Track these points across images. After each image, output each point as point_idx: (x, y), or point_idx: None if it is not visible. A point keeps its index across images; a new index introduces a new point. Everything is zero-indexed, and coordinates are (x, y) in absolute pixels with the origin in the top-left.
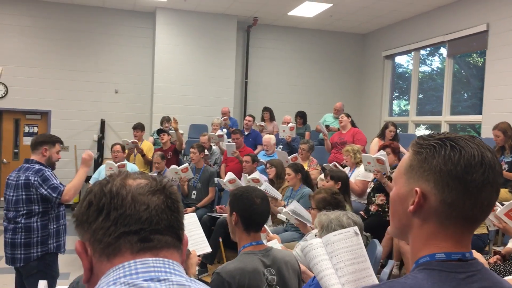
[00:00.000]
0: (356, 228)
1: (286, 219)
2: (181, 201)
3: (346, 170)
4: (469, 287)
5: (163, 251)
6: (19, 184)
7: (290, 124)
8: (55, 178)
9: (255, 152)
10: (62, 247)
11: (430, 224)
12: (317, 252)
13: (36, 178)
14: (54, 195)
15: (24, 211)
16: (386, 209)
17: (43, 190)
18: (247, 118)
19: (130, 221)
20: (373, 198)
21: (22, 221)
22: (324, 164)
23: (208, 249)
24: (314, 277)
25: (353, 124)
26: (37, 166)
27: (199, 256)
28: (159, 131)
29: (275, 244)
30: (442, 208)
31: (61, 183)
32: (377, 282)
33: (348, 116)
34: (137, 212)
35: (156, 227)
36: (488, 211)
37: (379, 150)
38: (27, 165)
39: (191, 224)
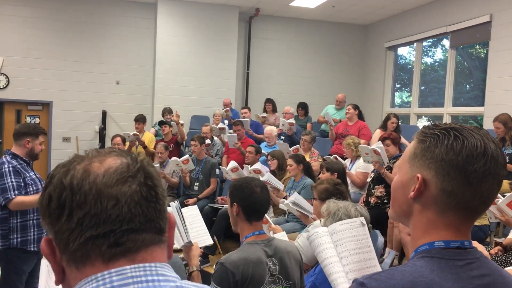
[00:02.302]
0: (362, 218)
1: (288, 210)
2: (161, 184)
3: (347, 162)
4: (467, 274)
5: (140, 254)
6: None
7: (290, 120)
8: (14, 175)
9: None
10: (31, 242)
11: (430, 211)
12: (323, 240)
13: None
14: (1, 197)
15: None
16: (385, 201)
17: None
18: (243, 110)
19: (97, 222)
20: (372, 190)
21: None
22: (325, 156)
23: (209, 241)
24: (316, 266)
25: (360, 116)
26: (5, 158)
27: (201, 248)
28: (161, 123)
29: (283, 236)
30: (442, 197)
31: (15, 187)
32: None
33: (355, 108)
34: (105, 209)
35: (129, 226)
36: (489, 203)
37: (378, 141)
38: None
39: (193, 216)
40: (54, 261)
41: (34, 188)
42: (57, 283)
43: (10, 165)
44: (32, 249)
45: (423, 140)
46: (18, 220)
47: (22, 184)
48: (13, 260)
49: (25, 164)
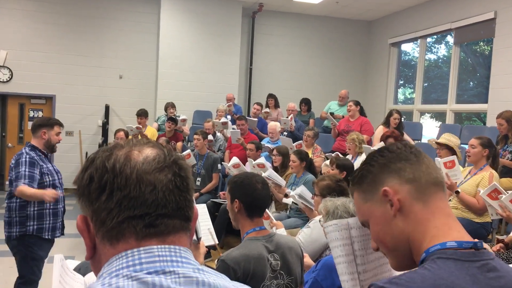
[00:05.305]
0: None
1: (293, 202)
2: (191, 177)
3: (348, 158)
4: (485, 276)
5: (170, 237)
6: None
7: (290, 116)
8: (32, 166)
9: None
10: (46, 230)
11: (415, 208)
12: (341, 235)
13: (13, 162)
14: (14, 183)
15: (8, 191)
16: None
17: (12, 174)
18: (255, 106)
19: (135, 204)
20: None
21: (6, 201)
22: (327, 153)
23: (215, 241)
24: (317, 263)
25: (362, 112)
26: (24, 150)
27: (206, 247)
28: (171, 119)
29: (282, 232)
30: (410, 189)
31: (26, 177)
32: (394, 274)
33: (356, 104)
34: (143, 194)
35: (163, 211)
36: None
37: (381, 139)
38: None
39: (201, 215)
40: (88, 237)
41: (50, 179)
42: (87, 258)
43: (27, 156)
44: (47, 237)
45: (359, 183)
46: (35, 208)
47: (37, 176)
48: (30, 245)
49: (43, 156)
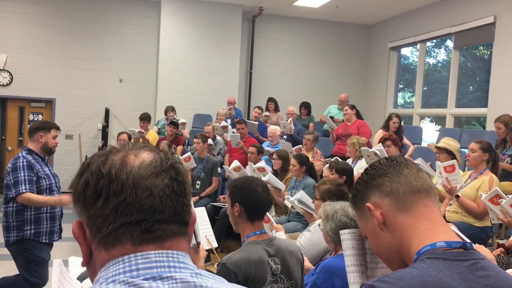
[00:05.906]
0: None
1: (292, 207)
2: (188, 181)
3: (349, 162)
4: (474, 274)
5: (168, 242)
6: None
7: (288, 121)
8: (27, 170)
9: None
10: (44, 234)
11: (398, 218)
12: (356, 244)
13: (10, 166)
14: (13, 189)
15: (4, 196)
16: None
17: (9, 178)
18: (256, 110)
19: (131, 210)
20: None
21: (3, 205)
22: (327, 157)
23: (214, 244)
24: (316, 267)
25: (358, 115)
26: (21, 154)
27: (206, 250)
28: (172, 123)
29: (281, 235)
30: (390, 201)
31: (26, 182)
32: None
33: (352, 108)
34: (139, 199)
35: (160, 216)
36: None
37: (379, 142)
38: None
39: (201, 218)
40: (84, 243)
41: (48, 183)
42: (83, 265)
43: (24, 160)
44: (44, 241)
45: (353, 202)
46: (32, 213)
47: (34, 178)
48: (31, 249)
49: (40, 159)
